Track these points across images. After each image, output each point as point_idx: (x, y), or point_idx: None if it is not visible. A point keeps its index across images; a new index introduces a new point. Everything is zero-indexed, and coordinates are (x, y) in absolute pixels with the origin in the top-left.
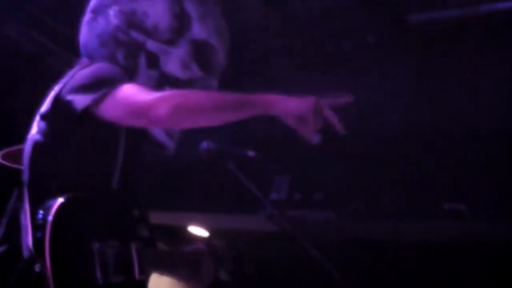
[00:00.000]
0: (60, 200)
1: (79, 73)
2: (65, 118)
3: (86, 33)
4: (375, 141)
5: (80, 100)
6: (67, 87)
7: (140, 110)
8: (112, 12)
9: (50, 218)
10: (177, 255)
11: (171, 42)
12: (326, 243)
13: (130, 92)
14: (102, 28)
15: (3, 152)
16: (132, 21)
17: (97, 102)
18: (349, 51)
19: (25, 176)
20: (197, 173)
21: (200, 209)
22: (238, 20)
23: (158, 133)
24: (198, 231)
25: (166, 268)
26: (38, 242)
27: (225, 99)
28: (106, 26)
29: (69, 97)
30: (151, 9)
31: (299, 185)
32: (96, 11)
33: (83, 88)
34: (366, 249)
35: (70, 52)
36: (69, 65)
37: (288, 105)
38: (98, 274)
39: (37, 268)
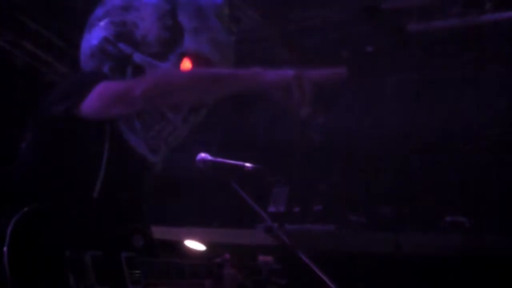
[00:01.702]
0: (23, 210)
1: (62, 84)
2: (46, 129)
3: (82, 45)
4: (375, 152)
5: (60, 106)
6: (50, 99)
7: (117, 95)
8: (102, 23)
9: (9, 229)
10: (179, 265)
11: (159, 55)
12: (325, 256)
13: (107, 84)
14: (93, 39)
15: None
16: (121, 32)
17: (79, 101)
18: (348, 59)
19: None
20: (193, 186)
21: (196, 223)
22: (235, 31)
23: (140, 147)
24: (194, 245)
25: (165, 278)
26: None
27: (202, 74)
28: (96, 37)
29: (52, 107)
30: (141, 20)
31: (298, 197)
32: (91, 24)
33: (63, 96)
34: (366, 262)
35: (65, 64)
36: (63, 76)
37: (268, 77)
38: (72, 281)
39: None
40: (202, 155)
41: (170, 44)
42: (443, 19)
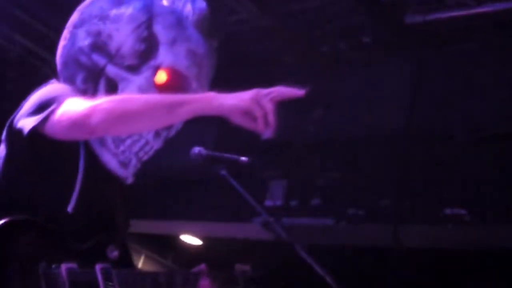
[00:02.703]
0: (4, 221)
1: (31, 96)
2: (17, 143)
3: (58, 51)
4: (373, 143)
5: (27, 125)
6: (19, 112)
7: (76, 121)
8: (79, 33)
9: None
10: (156, 276)
11: (132, 68)
12: (324, 250)
13: (69, 105)
14: (68, 48)
15: None
16: (96, 43)
17: (42, 123)
18: (344, 51)
19: None
20: (189, 180)
21: (192, 218)
22: (231, 21)
23: (110, 162)
24: (190, 239)
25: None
26: None
27: (159, 100)
28: (71, 47)
29: (19, 123)
30: (117, 31)
31: (296, 190)
32: (67, 30)
33: (30, 112)
34: (365, 256)
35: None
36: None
37: (226, 101)
38: None
39: None
40: (197, 148)
41: (144, 56)
42: (441, 10)
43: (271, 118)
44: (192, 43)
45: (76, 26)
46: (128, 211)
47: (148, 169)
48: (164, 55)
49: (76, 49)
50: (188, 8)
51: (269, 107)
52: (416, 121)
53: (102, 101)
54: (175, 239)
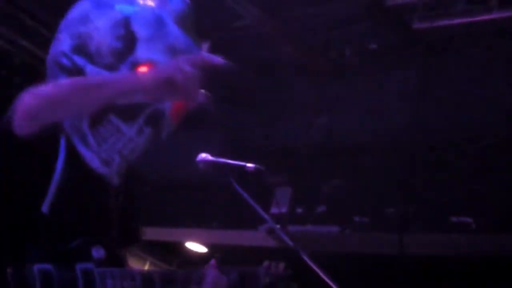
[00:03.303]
0: None
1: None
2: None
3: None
4: (378, 150)
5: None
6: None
7: (19, 116)
8: (61, 37)
9: None
10: (148, 275)
11: (111, 66)
12: (329, 258)
13: (19, 101)
14: (52, 53)
15: None
16: (77, 45)
17: (11, 121)
18: (352, 57)
19: None
20: (195, 187)
21: (197, 225)
22: (236, 27)
23: (93, 160)
24: (195, 247)
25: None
26: None
27: (81, 84)
28: (55, 51)
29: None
30: (96, 31)
31: (301, 198)
32: (54, 36)
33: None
34: (370, 263)
35: None
36: None
37: (145, 76)
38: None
39: None
40: (203, 155)
41: (122, 54)
42: (448, 17)
43: (195, 84)
44: (171, 39)
45: (60, 31)
46: (135, 216)
47: (154, 176)
48: (141, 51)
49: (58, 52)
50: (168, 5)
51: (192, 72)
52: (421, 128)
53: (32, 90)
54: (180, 246)
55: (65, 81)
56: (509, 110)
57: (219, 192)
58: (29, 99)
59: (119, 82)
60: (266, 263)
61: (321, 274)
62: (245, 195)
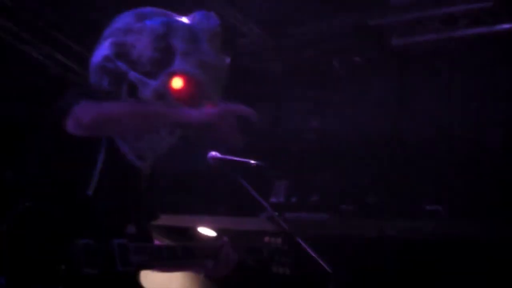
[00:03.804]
0: (24, 205)
1: (63, 95)
2: (46, 136)
3: (90, 60)
4: (362, 150)
5: (54, 118)
6: (53, 107)
7: (77, 121)
8: (106, 43)
9: (8, 222)
10: (172, 248)
11: (151, 74)
12: (320, 241)
13: (77, 109)
14: (97, 57)
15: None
16: (120, 52)
17: (63, 119)
18: (339, 68)
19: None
20: (204, 179)
21: (207, 212)
22: (240, 43)
23: (130, 153)
24: (206, 231)
25: (157, 259)
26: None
27: (139, 110)
28: (99, 56)
29: (50, 117)
30: (138, 42)
31: (295, 189)
32: (99, 42)
33: (59, 108)
34: (355, 245)
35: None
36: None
37: (194, 116)
38: (62, 266)
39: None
40: (213, 153)
41: (161, 64)
42: (423, 34)
43: (234, 131)
44: (204, 55)
45: (105, 38)
46: (153, 199)
47: (170, 169)
48: (179, 63)
49: (103, 57)
50: (204, 24)
51: (233, 121)
52: (398, 129)
53: (97, 104)
54: (193, 230)
55: (127, 104)
56: (474, 112)
57: (226, 184)
58: (91, 112)
59: (175, 115)
60: (266, 238)
61: (313, 254)
62: (248, 186)
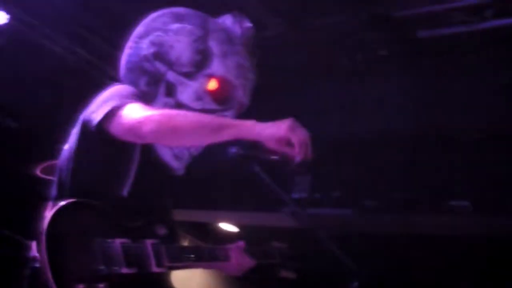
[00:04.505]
0: (60, 204)
1: (100, 95)
2: (85, 134)
3: (122, 59)
4: (387, 143)
5: (95, 118)
6: (89, 107)
7: (131, 127)
8: (144, 43)
9: (47, 220)
10: (198, 250)
11: (189, 75)
12: (343, 237)
13: (130, 110)
14: (133, 56)
15: (42, 165)
16: (158, 52)
17: (107, 118)
18: (362, 62)
19: (53, 186)
20: (226, 175)
21: (229, 208)
22: (258, 37)
23: (166, 155)
24: (228, 227)
25: (186, 260)
26: (38, 239)
27: (205, 121)
28: (136, 55)
29: (88, 116)
30: (177, 43)
31: (319, 184)
32: (132, 41)
33: (98, 107)
34: (379, 241)
35: (114, 68)
36: (113, 79)
37: (265, 130)
38: (102, 266)
39: (36, 264)
40: (234, 148)
41: (199, 65)
42: (449, 26)
43: (306, 145)
44: (240, 57)
45: (141, 37)
46: (175, 198)
47: (193, 166)
48: (217, 65)
49: (140, 56)
50: (237, 27)
51: (304, 135)
52: (424, 123)
53: (156, 113)
54: (214, 226)
55: (190, 114)
56: (504, 107)
57: (248, 179)
58: (149, 121)
59: (243, 129)
60: (275, 243)
61: (336, 250)
62: (270, 182)
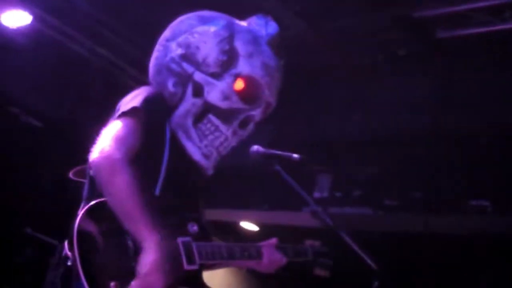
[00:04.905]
0: (91, 203)
1: (128, 94)
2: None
3: (151, 61)
4: (407, 142)
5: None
6: (117, 106)
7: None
8: (171, 45)
9: (78, 219)
10: (230, 248)
11: (216, 75)
12: (363, 236)
13: (117, 127)
14: (161, 58)
15: (75, 169)
16: (186, 53)
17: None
18: (383, 62)
19: (85, 187)
20: (248, 175)
21: (250, 207)
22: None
23: (195, 154)
24: (249, 226)
25: (217, 258)
26: (70, 238)
27: (129, 204)
28: (164, 57)
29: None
30: (204, 44)
31: (340, 184)
32: (160, 43)
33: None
34: (399, 241)
35: (137, 69)
36: (137, 80)
37: (147, 256)
38: (133, 263)
39: (69, 262)
40: (255, 147)
41: (226, 65)
42: (468, 27)
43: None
44: (265, 57)
45: (168, 40)
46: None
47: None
48: (243, 65)
49: (168, 58)
50: (262, 28)
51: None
52: (444, 123)
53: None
54: (235, 225)
55: (135, 191)
56: None
57: (269, 178)
58: (116, 152)
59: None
60: (308, 241)
61: (357, 249)
62: (291, 181)
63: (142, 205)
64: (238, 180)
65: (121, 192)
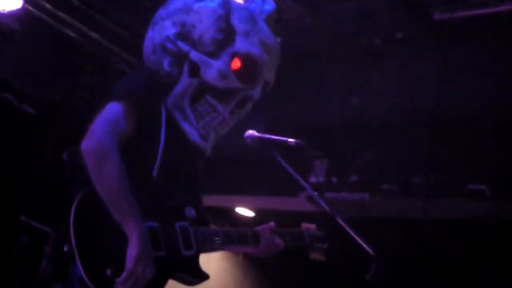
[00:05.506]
0: (87, 188)
1: (122, 77)
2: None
3: (145, 41)
4: (405, 127)
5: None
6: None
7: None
8: (165, 23)
9: (74, 204)
10: (227, 232)
11: (212, 54)
12: (360, 221)
13: (108, 112)
14: (155, 37)
15: (69, 150)
16: (181, 32)
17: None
18: (381, 45)
19: (81, 171)
20: (243, 159)
21: (246, 192)
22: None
23: (192, 134)
24: (244, 211)
25: (215, 243)
26: (66, 224)
27: (114, 194)
28: (159, 36)
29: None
30: (199, 22)
31: (336, 169)
32: (154, 22)
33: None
34: (397, 226)
35: (130, 53)
36: (129, 64)
37: (132, 249)
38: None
39: (65, 247)
40: (250, 132)
41: (223, 44)
42: (465, 9)
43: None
44: (263, 35)
45: (163, 18)
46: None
47: (204, 157)
48: (240, 43)
49: (163, 37)
50: (259, 6)
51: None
52: (442, 107)
53: (106, 153)
54: (231, 211)
55: (123, 182)
56: None
57: (264, 163)
58: (102, 139)
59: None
60: (303, 225)
61: (353, 235)
62: (287, 166)
63: (127, 196)
64: (234, 166)
65: (107, 182)
